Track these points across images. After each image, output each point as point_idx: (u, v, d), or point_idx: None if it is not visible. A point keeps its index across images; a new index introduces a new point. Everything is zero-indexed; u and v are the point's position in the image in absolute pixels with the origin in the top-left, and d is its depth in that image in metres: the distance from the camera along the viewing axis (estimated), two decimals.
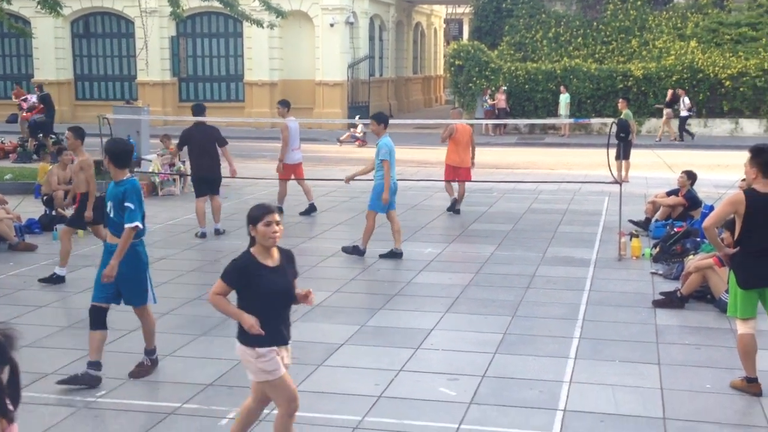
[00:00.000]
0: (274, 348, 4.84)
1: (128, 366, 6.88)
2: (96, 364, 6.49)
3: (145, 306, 6.82)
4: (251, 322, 4.74)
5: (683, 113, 27.61)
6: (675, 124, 27.88)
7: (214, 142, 12.73)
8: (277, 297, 4.87)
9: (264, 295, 4.81)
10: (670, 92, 28.12)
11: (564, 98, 28.92)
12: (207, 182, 12.64)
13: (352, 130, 27.95)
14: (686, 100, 27.69)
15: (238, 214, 14.40)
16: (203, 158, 12.64)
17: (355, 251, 11.06)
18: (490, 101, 29.71)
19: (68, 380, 6.37)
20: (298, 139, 14.30)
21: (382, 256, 10.91)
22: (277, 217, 4.91)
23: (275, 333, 4.84)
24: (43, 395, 6.20)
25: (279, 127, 14.35)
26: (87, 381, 6.39)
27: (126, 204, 6.50)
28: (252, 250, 4.94)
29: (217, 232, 12.53)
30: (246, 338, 4.82)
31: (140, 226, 6.57)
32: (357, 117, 28.50)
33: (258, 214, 4.88)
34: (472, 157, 14.76)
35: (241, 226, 13.23)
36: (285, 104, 14.54)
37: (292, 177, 14.38)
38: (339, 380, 6.62)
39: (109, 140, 7.05)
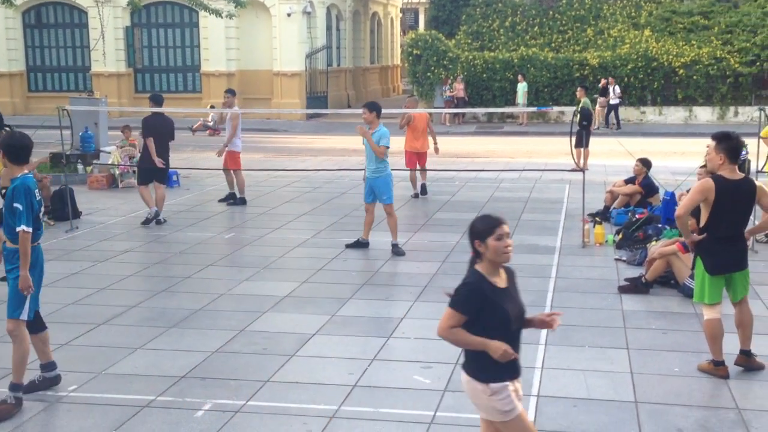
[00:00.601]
0: (508, 383, 4.20)
1: (99, 360, 6.82)
2: (50, 365, 6.27)
3: (17, 321, 5.95)
4: (503, 347, 4.06)
5: (612, 101, 27.99)
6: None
7: (169, 134, 12.89)
8: (513, 322, 4.20)
9: (499, 320, 4.14)
10: (602, 81, 28.50)
11: (522, 87, 29.16)
12: (157, 171, 12.70)
13: (203, 119, 27.55)
14: (616, 88, 28.15)
15: (199, 206, 14.33)
16: (161, 148, 12.66)
17: (396, 250, 10.62)
18: (449, 91, 29.82)
19: (28, 388, 6.06)
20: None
21: (348, 246, 10.91)
22: (507, 228, 4.18)
23: (509, 364, 4.16)
24: None
25: (227, 115, 14.33)
26: (47, 385, 6.20)
27: (15, 205, 5.84)
28: (479, 268, 4.20)
29: (159, 222, 12.55)
30: (477, 371, 4.19)
31: (26, 229, 5.81)
32: (209, 105, 28.04)
33: (486, 227, 4.14)
34: (435, 143, 15.22)
35: (202, 218, 13.18)
36: (233, 92, 14.81)
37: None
38: (313, 370, 6.63)
39: (7, 133, 6.56)
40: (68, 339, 7.37)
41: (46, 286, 9.08)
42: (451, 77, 30.14)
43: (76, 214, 12.78)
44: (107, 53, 31.00)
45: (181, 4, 31.38)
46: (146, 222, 12.52)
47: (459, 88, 29.71)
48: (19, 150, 5.98)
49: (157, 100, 13.08)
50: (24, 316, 5.95)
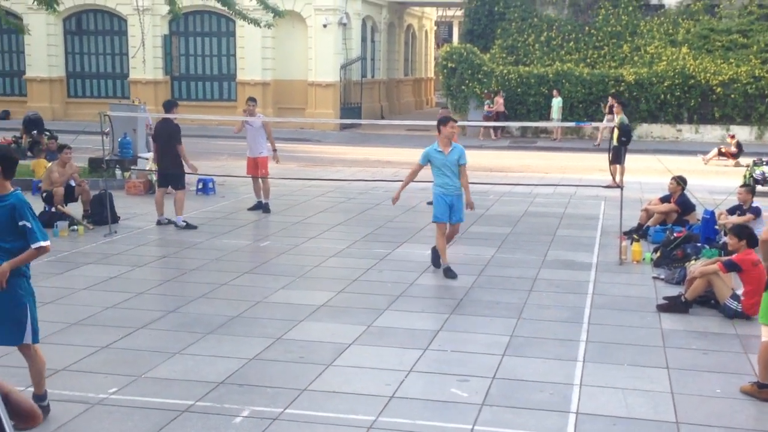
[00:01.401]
0: None
1: (138, 364, 6.88)
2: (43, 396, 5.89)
3: (27, 345, 5.79)
4: None
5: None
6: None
7: (176, 139, 13.05)
8: None
9: None
10: (611, 99, 28.03)
11: (556, 102, 29.03)
12: (171, 177, 13.06)
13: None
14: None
15: (235, 213, 14.41)
16: (169, 153, 12.98)
17: (448, 272, 10.02)
18: (488, 106, 29.50)
19: None
20: None
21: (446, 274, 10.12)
22: None
23: None
24: (56, 391, 6.16)
25: (254, 122, 14.55)
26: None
27: (21, 223, 5.58)
28: None
29: (177, 225, 12.83)
30: None
31: (44, 244, 5.65)
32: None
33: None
34: None
35: (238, 226, 13.26)
36: (255, 100, 15.24)
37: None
38: (350, 380, 6.63)
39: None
40: (107, 342, 7.43)
41: (85, 289, 9.23)
42: (493, 91, 29.90)
43: (115, 219, 12.91)
44: (145, 61, 31.36)
45: (218, 13, 31.65)
46: (158, 223, 12.92)
47: (500, 103, 29.52)
48: (12, 163, 5.66)
49: (164, 106, 13.38)
50: (28, 339, 5.75)
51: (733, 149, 23.44)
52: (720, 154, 23.28)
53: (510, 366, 7.01)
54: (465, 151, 10.28)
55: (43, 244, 5.66)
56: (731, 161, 23.06)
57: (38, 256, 5.79)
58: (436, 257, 10.39)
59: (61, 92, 34.28)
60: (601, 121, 26.04)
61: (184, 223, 12.83)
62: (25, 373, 5.95)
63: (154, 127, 13.29)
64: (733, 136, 24.59)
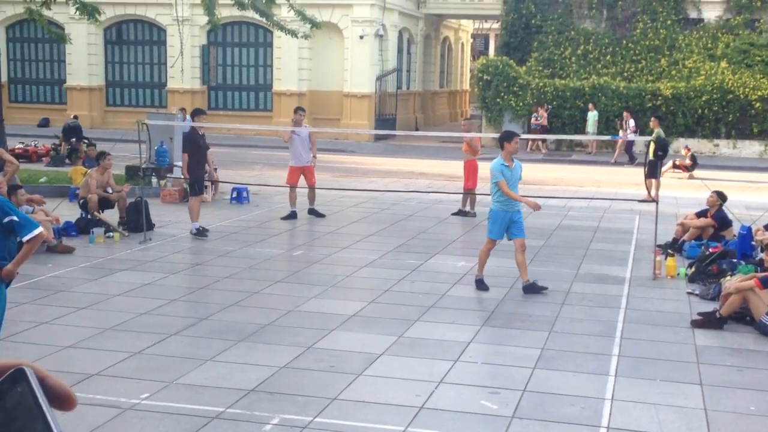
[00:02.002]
0: None
1: (170, 370, 6.94)
2: None
3: None
4: None
5: (630, 137, 26.08)
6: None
7: (204, 146, 13.43)
8: None
9: None
10: (626, 115, 27.76)
11: (592, 116, 28.84)
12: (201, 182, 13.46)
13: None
14: (631, 122, 27.19)
15: (268, 222, 14.50)
16: (200, 161, 13.22)
17: (533, 288, 9.85)
18: (535, 119, 29.25)
19: None
20: None
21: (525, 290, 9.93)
22: None
23: None
24: (89, 395, 6.24)
25: (302, 132, 14.73)
26: None
27: (7, 219, 5.62)
28: None
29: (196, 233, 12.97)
30: None
31: (37, 232, 5.70)
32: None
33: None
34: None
35: (271, 234, 13.35)
36: (303, 110, 15.43)
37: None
38: (380, 390, 6.64)
39: None
40: (141, 348, 7.51)
41: (119, 295, 9.33)
42: (540, 104, 29.63)
43: (150, 226, 13.05)
44: (183, 70, 31.73)
45: (256, 24, 31.93)
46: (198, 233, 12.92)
47: (544, 116, 29.34)
48: None
49: (192, 114, 13.58)
50: None
51: (688, 162, 23.36)
52: (675, 166, 23.06)
53: (541, 379, 6.97)
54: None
55: (35, 233, 5.67)
56: (685, 174, 22.93)
57: (36, 247, 5.82)
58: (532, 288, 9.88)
59: (100, 101, 34.79)
60: (638, 135, 25.78)
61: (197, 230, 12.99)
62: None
63: (186, 137, 13.49)
64: (688, 149, 24.43)
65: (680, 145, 29.28)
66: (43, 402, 0.90)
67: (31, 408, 0.89)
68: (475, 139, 15.76)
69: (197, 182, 13.26)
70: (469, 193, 15.47)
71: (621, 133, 26.90)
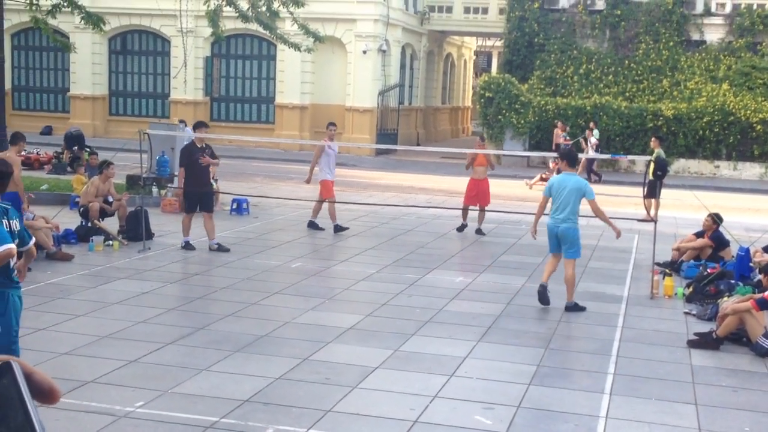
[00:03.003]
0: None
1: (165, 379, 6.94)
2: None
3: None
4: None
5: (591, 153, 25.68)
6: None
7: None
8: None
9: None
10: (588, 132, 27.21)
11: (594, 134, 28.75)
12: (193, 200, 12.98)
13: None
14: (592, 140, 26.56)
15: (267, 234, 14.52)
16: (201, 175, 12.89)
17: (576, 308, 9.95)
18: (590, 141, 28.52)
19: None
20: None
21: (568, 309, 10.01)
22: None
23: None
24: (84, 403, 6.25)
25: (334, 147, 15.11)
26: None
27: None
28: None
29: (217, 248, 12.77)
30: None
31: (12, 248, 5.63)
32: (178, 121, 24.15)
33: None
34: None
35: (270, 246, 13.37)
36: (336, 125, 15.62)
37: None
38: (374, 403, 6.64)
39: None
40: (137, 356, 7.52)
41: (117, 304, 9.34)
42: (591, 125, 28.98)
43: (149, 236, 13.07)
44: (186, 81, 31.84)
45: (260, 37, 32.06)
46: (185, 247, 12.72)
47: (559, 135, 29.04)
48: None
49: (194, 126, 13.30)
50: None
51: (555, 176, 23.30)
52: (542, 179, 23.09)
53: (536, 395, 6.97)
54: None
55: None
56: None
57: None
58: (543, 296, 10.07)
59: (103, 110, 34.89)
60: (638, 155, 25.78)
61: (217, 246, 12.84)
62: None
63: (183, 151, 13.18)
64: (556, 163, 24.37)
65: (681, 167, 29.39)
66: (26, 395, 0.95)
67: (13, 400, 0.94)
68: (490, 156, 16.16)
69: (188, 199, 12.95)
70: (483, 210, 15.42)
71: (585, 150, 26.10)
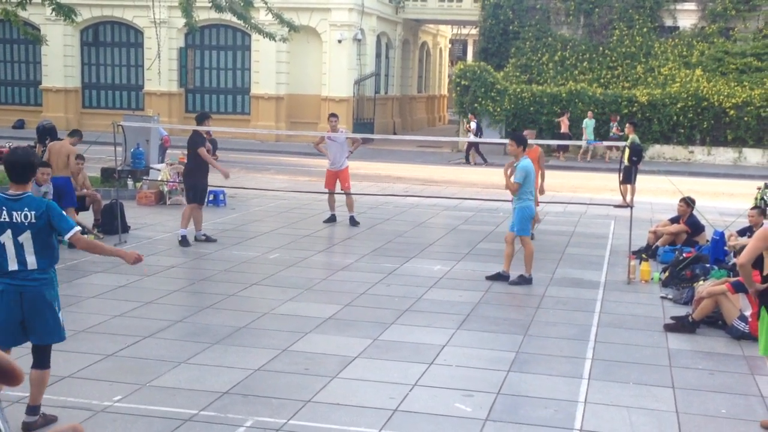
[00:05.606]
0: None
1: (143, 372, 6.90)
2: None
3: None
4: None
5: (470, 137, 26.52)
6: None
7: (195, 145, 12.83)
8: None
9: None
10: (471, 116, 28.46)
11: (590, 123, 28.71)
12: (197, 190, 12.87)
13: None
14: (473, 124, 27.84)
15: (244, 225, 14.46)
16: (201, 165, 12.71)
17: (522, 280, 10.57)
18: (617, 129, 28.33)
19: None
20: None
21: (489, 278, 10.76)
22: None
23: None
24: (61, 398, 6.21)
25: (338, 137, 14.80)
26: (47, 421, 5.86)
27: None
28: None
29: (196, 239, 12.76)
30: None
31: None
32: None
33: None
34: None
35: (248, 237, 13.31)
36: (338, 116, 15.47)
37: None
38: (354, 392, 6.64)
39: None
40: (114, 350, 7.47)
41: (93, 298, 9.27)
42: (617, 115, 29.07)
43: (125, 229, 12.98)
44: (160, 73, 31.59)
45: (234, 27, 31.86)
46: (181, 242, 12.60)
47: (565, 123, 29.16)
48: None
49: (197, 118, 13.18)
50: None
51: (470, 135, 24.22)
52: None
53: (515, 382, 7.00)
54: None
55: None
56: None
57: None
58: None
59: (76, 103, 34.54)
60: (614, 141, 25.89)
61: (204, 236, 12.81)
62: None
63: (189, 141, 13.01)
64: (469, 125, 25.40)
65: (655, 152, 29.57)
66: None
67: None
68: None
69: (192, 189, 12.81)
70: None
71: (466, 134, 27.25)
